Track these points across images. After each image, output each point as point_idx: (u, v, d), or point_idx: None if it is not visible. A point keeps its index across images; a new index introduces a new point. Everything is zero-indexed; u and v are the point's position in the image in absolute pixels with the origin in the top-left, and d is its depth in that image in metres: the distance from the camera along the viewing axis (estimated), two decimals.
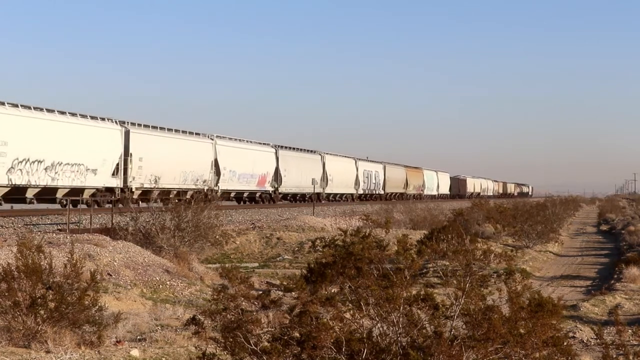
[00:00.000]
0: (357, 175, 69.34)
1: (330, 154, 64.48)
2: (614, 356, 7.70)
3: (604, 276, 26.15)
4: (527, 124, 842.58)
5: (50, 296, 10.87)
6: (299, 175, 55.96)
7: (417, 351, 7.15)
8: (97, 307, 11.16)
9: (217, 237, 23.70)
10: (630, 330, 8.03)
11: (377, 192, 75.12)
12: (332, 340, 7.27)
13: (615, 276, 24.28)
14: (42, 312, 10.81)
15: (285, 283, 8.90)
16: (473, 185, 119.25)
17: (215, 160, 44.09)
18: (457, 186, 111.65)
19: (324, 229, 31.49)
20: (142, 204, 33.49)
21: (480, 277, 8.81)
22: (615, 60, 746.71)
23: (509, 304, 7.75)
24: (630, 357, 7.40)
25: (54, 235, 20.50)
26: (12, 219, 26.05)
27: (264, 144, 52.88)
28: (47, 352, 10.41)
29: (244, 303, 8.13)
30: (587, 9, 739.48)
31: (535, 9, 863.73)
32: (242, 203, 49.01)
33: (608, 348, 7.51)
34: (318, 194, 58.47)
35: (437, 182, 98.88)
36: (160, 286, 17.38)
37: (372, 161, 76.40)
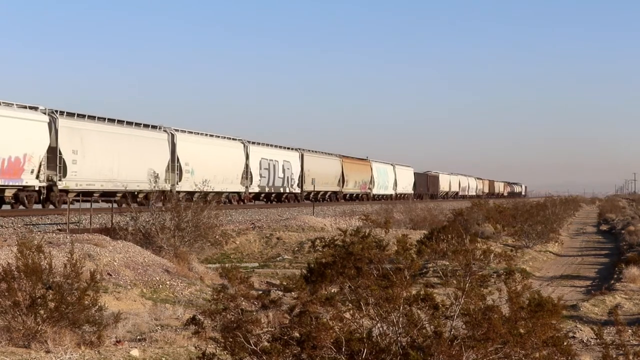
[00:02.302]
0: (247, 166, 49.03)
1: (188, 132, 43.36)
2: (614, 356, 7.71)
3: (604, 276, 26.15)
4: (526, 124, 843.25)
5: (50, 296, 10.88)
6: (117, 162, 35.56)
7: (417, 351, 7.15)
8: (97, 307, 11.16)
9: (217, 237, 23.72)
10: (630, 330, 8.04)
11: (288, 190, 56.11)
12: (332, 340, 7.27)
13: (615, 276, 24.28)
14: (42, 312, 10.81)
15: (285, 283, 8.91)
16: (448, 182, 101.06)
17: None
18: (426, 184, 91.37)
19: (323, 229, 31.53)
20: None
21: (480, 277, 8.81)
22: (615, 60, 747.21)
23: (509, 304, 7.75)
24: (630, 357, 7.40)
25: (54, 235, 20.50)
26: (12, 219, 26.05)
27: (20, 106, 30.96)
28: (47, 352, 10.41)
29: (244, 303, 8.14)
30: (587, 8, 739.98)
31: (535, 8, 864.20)
32: None
33: (608, 348, 7.51)
34: (163, 191, 34.50)
35: (393, 179, 79.78)
36: (160, 286, 17.38)
37: (281, 147, 55.82)
